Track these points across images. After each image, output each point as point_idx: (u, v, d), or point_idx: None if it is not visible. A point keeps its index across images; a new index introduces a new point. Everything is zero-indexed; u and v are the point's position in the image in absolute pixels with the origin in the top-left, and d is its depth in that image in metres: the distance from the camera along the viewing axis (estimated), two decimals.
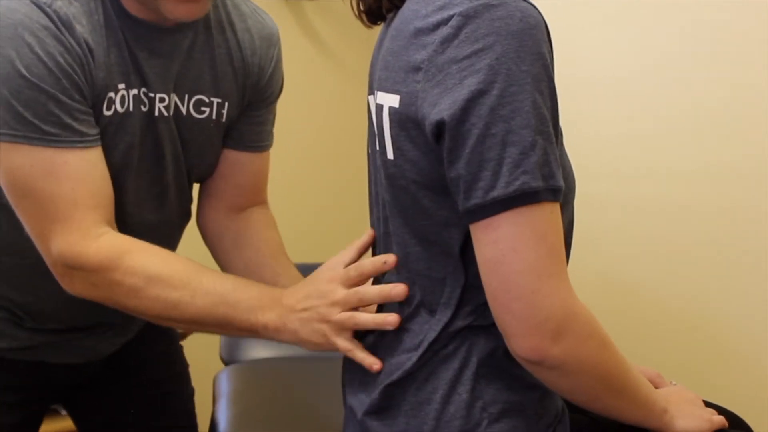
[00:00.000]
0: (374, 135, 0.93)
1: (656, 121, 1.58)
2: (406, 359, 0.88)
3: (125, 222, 1.06)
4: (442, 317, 0.87)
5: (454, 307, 0.86)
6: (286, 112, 1.31)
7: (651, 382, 0.91)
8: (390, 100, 0.85)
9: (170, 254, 1.02)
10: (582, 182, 0.92)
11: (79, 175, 0.98)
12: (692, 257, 1.53)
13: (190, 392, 1.41)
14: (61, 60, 0.96)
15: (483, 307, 0.84)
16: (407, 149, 0.85)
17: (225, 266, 1.19)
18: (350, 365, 0.96)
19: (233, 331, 0.99)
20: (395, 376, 0.89)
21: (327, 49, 2.47)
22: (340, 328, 0.93)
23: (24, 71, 0.94)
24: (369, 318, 0.91)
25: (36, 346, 1.18)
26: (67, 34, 0.96)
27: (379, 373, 0.91)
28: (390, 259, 0.91)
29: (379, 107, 0.88)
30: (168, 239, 1.18)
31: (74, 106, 0.98)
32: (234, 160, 1.20)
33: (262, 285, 1.01)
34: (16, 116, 0.95)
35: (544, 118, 0.77)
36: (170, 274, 0.98)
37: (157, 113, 1.08)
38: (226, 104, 1.14)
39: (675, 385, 1.00)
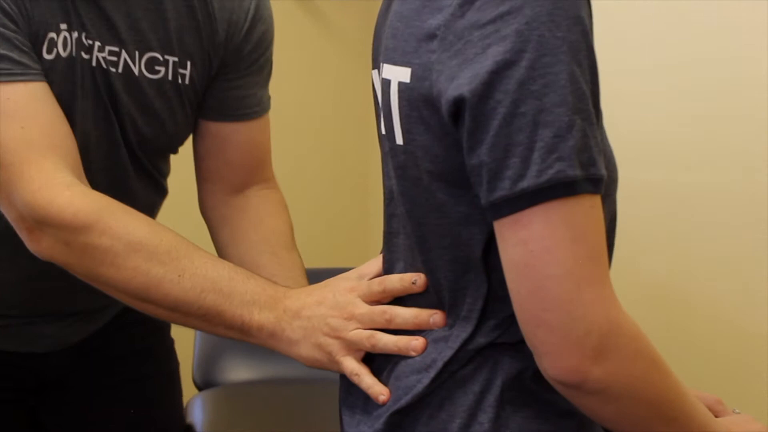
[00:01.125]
0: (380, 117, 0.92)
1: (710, 98, 1.58)
2: (416, 381, 0.88)
3: None
4: (461, 332, 0.87)
5: (475, 321, 0.86)
6: (275, 93, 1.30)
7: (710, 409, 0.90)
8: (399, 74, 0.85)
9: (159, 223, 1.01)
10: (625, 171, 0.92)
11: (27, 112, 0.98)
12: (761, 259, 1.52)
13: (178, 397, 1.41)
14: None
15: (509, 321, 0.83)
16: (419, 133, 0.84)
17: None
18: (349, 389, 0.96)
19: (220, 327, 0.97)
20: (403, 401, 0.88)
21: (323, 16, 2.47)
22: (353, 347, 0.91)
23: None
24: (391, 341, 0.90)
25: None
26: None
27: None
28: (420, 279, 0.89)
29: (386, 83, 0.88)
30: None
31: (8, 34, 0.98)
32: (217, 132, 1.21)
33: (265, 279, 1.00)
34: None
35: (582, 94, 0.76)
36: (157, 243, 0.96)
37: (95, 63, 1.08)
38: (188, 64, 1.15)
39: (739, 413, 0.99)
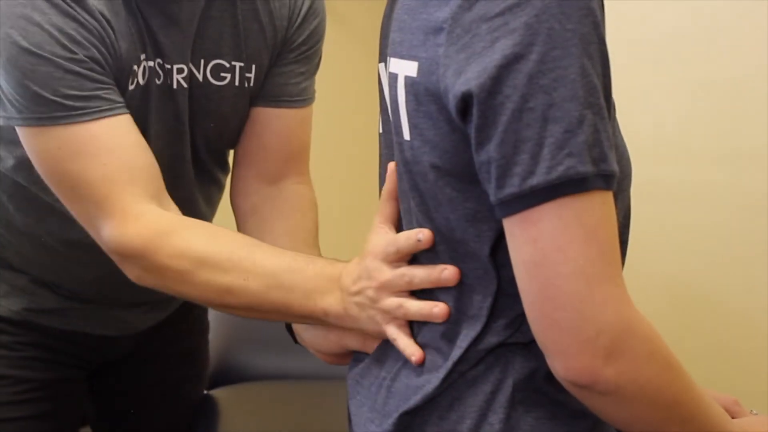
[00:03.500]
0: (386, 111, 0.92)
1: (729, 92, 1.57)
2: (425, 381, 0.88)
3: None
4: (470, 332, 0.86)
5: (485, 320, 0.86)
6: None
7: (727, 411, 0.90)
8: (405, 68, 0.85)
9: (218, 230, 1.08)
10: (639, 166, 0.91)
11: (109, 147, 1.07)
12: None
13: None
14: (76, 35, 1.05)
15: (520, 320, 0.84)
16: (426, 128, 0.84)
17: None
18: (357, 387, 0.96)
19: (293, 317, 1.04)
20: (413, 402, 0.88)
21: (329, 6, 2.46)
22: (391, 316, 0.92)
23: (34, 49, 1.03)
24: (416, 307, 0.90)
25: (67, 311, 1.32)
26: (78, 8, 1.05)
27: (392, 398, 0.90)
28: (424, 235, 0.88)
29: (393, 77, 0.87)
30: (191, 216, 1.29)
31: (95, 76, 1.07)
32: (255, 117, 1.26)
33: (322, 261, 1.03)
34: (34, 97, 1.04)
35: (593, 88, 0.76)
36: (218, 253, 1.03)
37: (175, 86, 1.16)
38: (253, 68, 1.22)
39: (756, 414, 0.99)
